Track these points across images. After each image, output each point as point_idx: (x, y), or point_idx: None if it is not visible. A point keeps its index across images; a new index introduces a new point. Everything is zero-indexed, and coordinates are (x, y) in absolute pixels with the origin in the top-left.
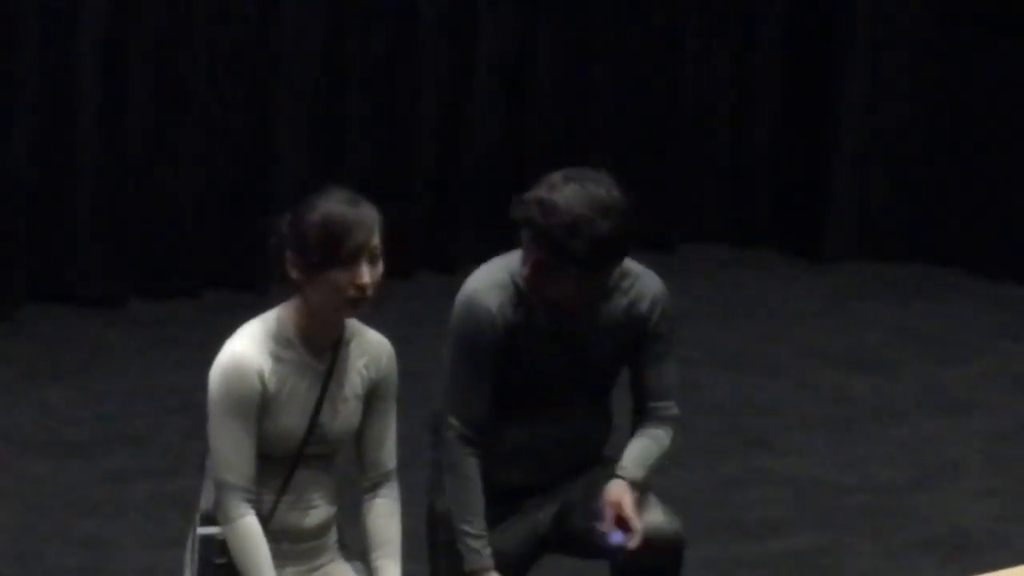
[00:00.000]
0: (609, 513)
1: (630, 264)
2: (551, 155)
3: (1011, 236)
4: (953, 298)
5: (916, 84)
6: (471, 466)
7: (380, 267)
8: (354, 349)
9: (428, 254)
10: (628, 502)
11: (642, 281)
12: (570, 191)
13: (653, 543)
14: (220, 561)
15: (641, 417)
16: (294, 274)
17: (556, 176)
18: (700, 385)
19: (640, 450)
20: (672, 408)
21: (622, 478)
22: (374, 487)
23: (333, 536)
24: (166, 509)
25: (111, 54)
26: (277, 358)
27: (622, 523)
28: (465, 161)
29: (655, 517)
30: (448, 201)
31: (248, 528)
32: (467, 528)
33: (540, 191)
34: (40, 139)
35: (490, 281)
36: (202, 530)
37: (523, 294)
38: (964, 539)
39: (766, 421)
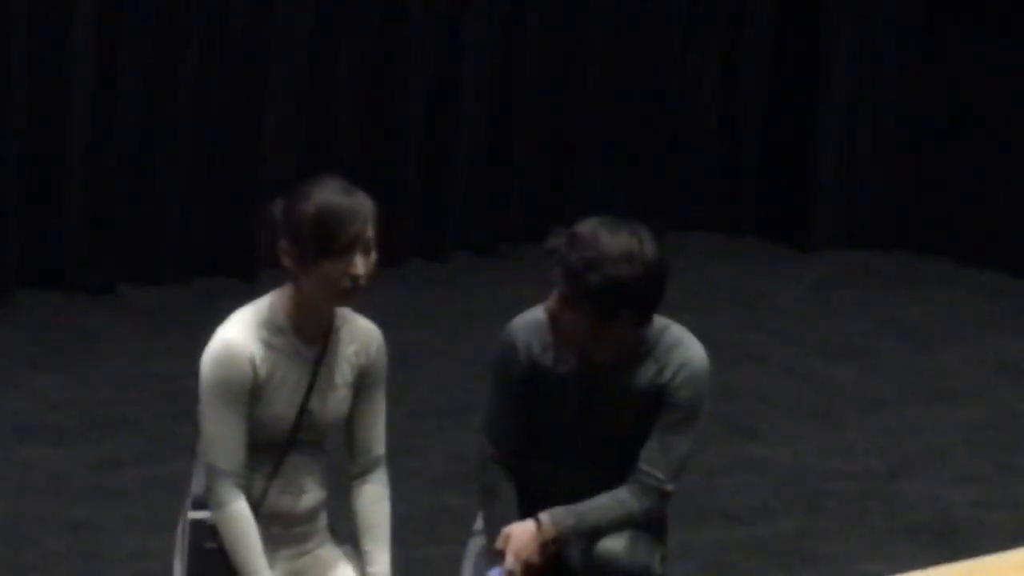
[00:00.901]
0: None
1: (673, 332)
2: (539, 144)
3: (995, 225)
4: (937, 287)
5: (903, 74)
6: (505, 489)
7: (374, 257)
8: (344, 336)
9: (417, 242)
10: (518, 548)
11: (678, 351)
12: (604, 233)
13: (608, 572)
14: (211, 546)
15: (630, 476)
16: (287, 263)
17: (596, 218)
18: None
19: (592, 507)
20: (658, 480)
21: (538, 522)
22: (363, 473)
23: (323, 520)
24: (157, 494)
25: (104, 41)
26: (268, 345)
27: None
28: (454, 150)
29: (616, 545)
30: (437, 189)
31: (239, 513)
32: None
33: (576, 227)
34: (32, 126)
35: (528, 317)
36: (193, 515)
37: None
38: (947, 525)
39: (751, 408)
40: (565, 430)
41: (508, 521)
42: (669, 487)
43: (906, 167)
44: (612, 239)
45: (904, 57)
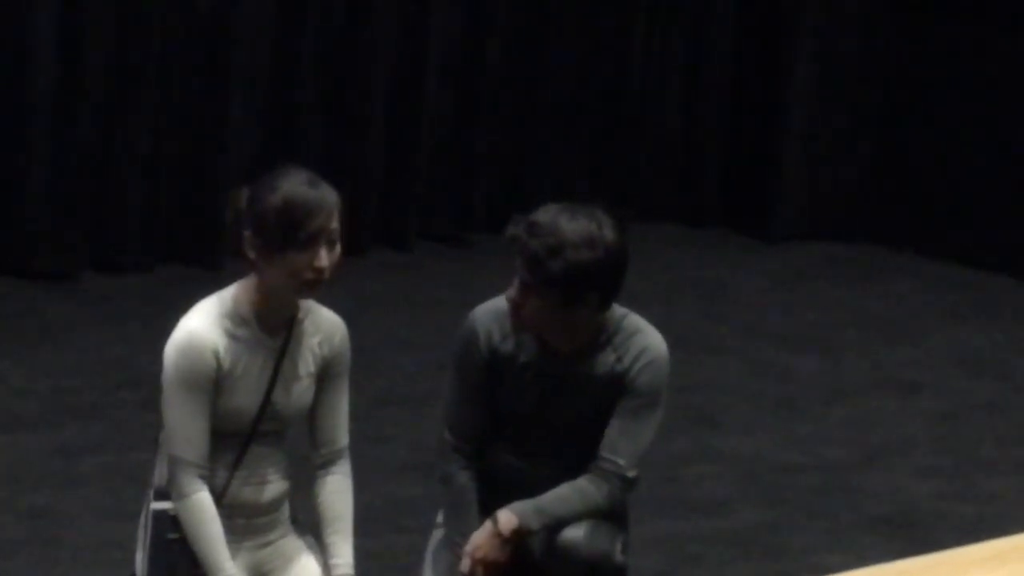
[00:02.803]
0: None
1: (631, 321)
2: (503, 133)
3: (960, 218)
4: (901, 279)
5: (866, 65)
6: (465, 478)
7: (338, 250)
8: (308, 327)
9: (380, 230)
10: (474, 549)
11: (637, 338)
12: (563, 219)
13: (569, 561)
14: (173, 536)
15: (591, 464)
16: (251, 254)
17: (554, 205)
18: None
19: (552, 498)
20: (619, 466)
21: (495, 519)
22: (326, 464)
23: (286, 511)
24: (118, 482)
25: (66, 30)
26: (231, 335)
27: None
28: (417, 138)
29: (577, 534)
30: (400, 178)
31: (201, 503)
32: (460, 540)
33: (535, 215)
34: None
35: (490, 305)
36: (155, 505)
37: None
38: (910, 518)
39: (714, 400)
40: (526, 419)
41: (468, 512)
42: (631, 473)
43: (870, 159)
44: (571, 224)
45: (868, 48)
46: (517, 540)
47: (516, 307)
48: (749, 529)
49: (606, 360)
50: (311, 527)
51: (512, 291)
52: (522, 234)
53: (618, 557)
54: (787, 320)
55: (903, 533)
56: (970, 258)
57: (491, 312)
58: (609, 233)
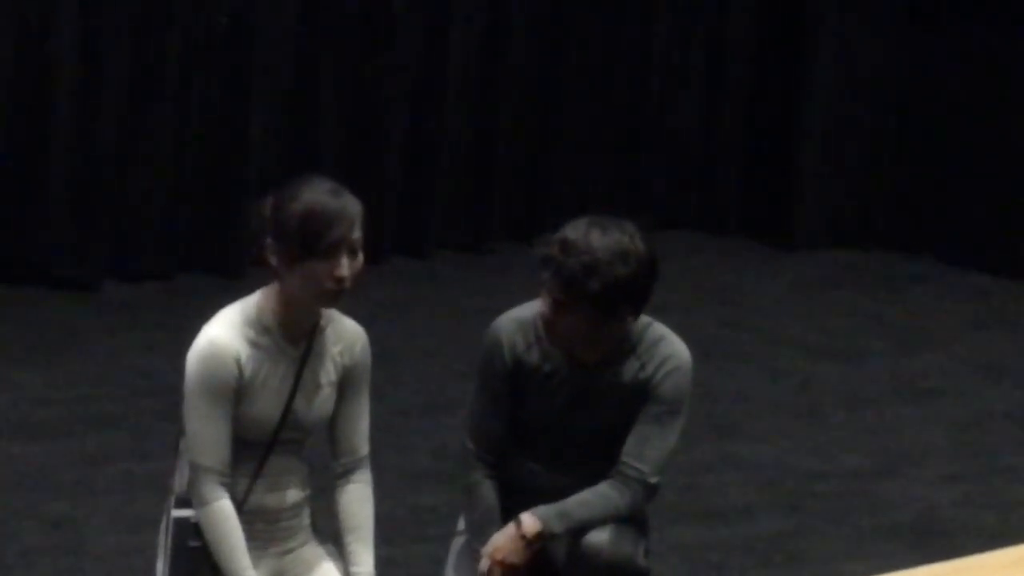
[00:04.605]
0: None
1: (655, 329)
2: (523, 143)
3: (979, 225)
4: (921, 287)
5: (885, 74)
6: (487, 487)
7: (360, 259)
8: (329, 336)
9: (400, 239)
10: (494, 550)
11: (660, 346)
12: (594, 234)
13: (593, 564)
14: (194, 544)
15: (613, 470)
16: (273, 261)
17: (582, 220)
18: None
19: (575, 503)
20: (641, 472)
21: (518, 522)
22: (347, 472)
23: (306, 519)
24: (139, 490)
25: (87, 38)
26: (253, 344)
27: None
28: (437, 147)
29: (601, 538)
30: (420, 187)
31: (222, 511)
32: (482, 549)
33: (565, 232)
34: (14, 123)
35: (513, 315)
36: (176, 513)
37: (540, 336)
38: (931, 525)
39: (735, 407)
40: (550, 427)
41: (491, 521)
42: (653, 480)
43: (890, 167)
44: (604, 240)
45: (888, 55)
46: (539, 543)
47: (549, 324)
48: (770, 537)
49: (631, 368)
50: (332, 535)
51: (544, 309)
52: (556, 253)
53: (640, 561)
54: (808, 328)
55: (925, 540)
56: (991, 265)
57: (514, 322)
58: (640, 245)
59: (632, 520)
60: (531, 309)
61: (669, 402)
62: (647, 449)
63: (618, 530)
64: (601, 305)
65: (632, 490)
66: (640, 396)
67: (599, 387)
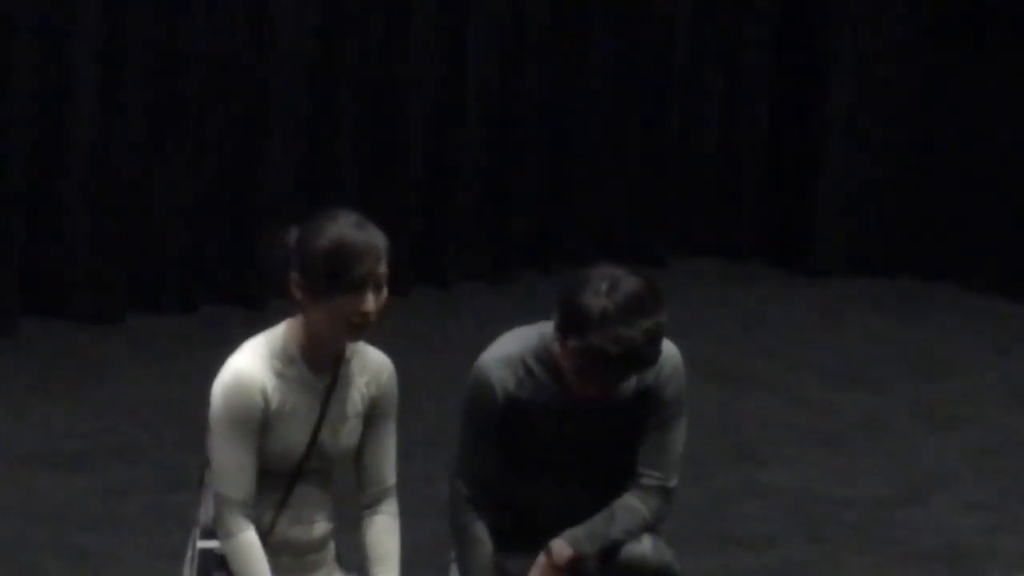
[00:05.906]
0: None
1: None
2: (541, 171)
3: (1001, 251)
4: (943, 313)
5: (904, 98)
6: (479, 528)
7: (385, 293)
8: (355, 366)
9: (422, 270)
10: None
11: None
12: (620, 315)
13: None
14: (220, 575)
15: (631, 482)
16: (298, 295)
17: (598, 282)
18: (691, 399)
19: (602, 521)
20: (660, 478)
21: (549, 552)
22: (373, 503)
23: (331, 551)
24: (163, 522)
25: (106, 68)
26: (279, 375)
27: None
28: (456, 176)
29: (642, 547)
30: (441, 217)
31: (248, 543)
32: None
33: (585, 302)
34: (35, 154)
35: (499, 354)
36: (201, 544)
37: (530, 370)
38: (955, 552)
39: (757, 435)
40: (559, 451)
41: (481, 564)
42: (671, 484)
43: (911, 192)
44: (633, 327)
45: (907, 81)
46: (573, 568)
47: (574, 382)
48: (795, 564)
49: (629, 381)
50: (358, 566)
51: (569, 367)
52: (583, 336)
53: (677, 566)
54: (829, 354)
55: (949, 568)
56: (1013, 290)
57: (500, 360)
58: (661, 314)
59: (654, 529)
60: (514, 344)
61: (672, 404)
62: (661, 456)
63: (654, 538)
64: (627, 378)
65: (655, 498)
66: (643, 403)
67: (600, 407)
